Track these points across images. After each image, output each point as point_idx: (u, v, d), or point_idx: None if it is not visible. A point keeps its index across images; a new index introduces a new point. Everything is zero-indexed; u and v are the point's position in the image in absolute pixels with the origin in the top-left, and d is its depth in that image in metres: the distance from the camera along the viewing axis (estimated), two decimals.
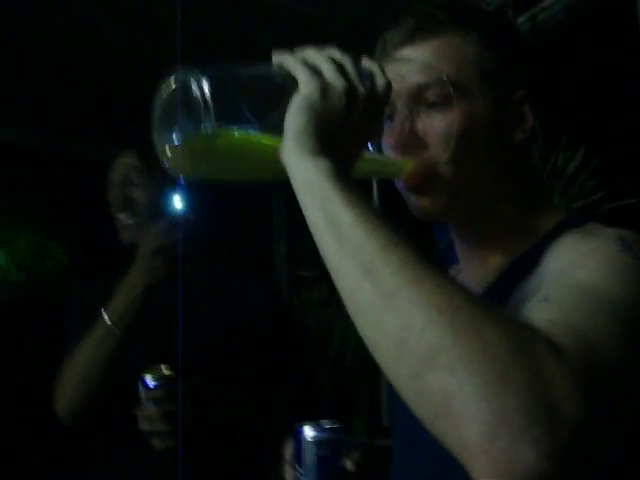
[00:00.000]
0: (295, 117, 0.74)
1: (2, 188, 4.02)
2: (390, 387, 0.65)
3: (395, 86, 0.87)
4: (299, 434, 1.03)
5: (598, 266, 0.76)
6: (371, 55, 0.86)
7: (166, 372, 1.55)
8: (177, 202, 1.60)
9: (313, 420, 1.07)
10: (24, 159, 3.95)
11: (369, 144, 0.93)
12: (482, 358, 0.58)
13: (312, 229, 0.71)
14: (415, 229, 1.01)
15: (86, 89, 3.43)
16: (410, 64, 0.95)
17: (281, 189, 4.59)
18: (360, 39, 0.84)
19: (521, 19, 2.65)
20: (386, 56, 0.98)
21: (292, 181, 0.74)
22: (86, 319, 1.65)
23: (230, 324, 1.78)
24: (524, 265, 0.90)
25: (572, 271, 0.76)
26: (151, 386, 1.53)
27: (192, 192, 1.61)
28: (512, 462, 0.55)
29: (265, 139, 0.76)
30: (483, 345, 0.58)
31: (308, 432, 1.03)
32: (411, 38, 0.96)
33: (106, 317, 1.59)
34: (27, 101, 3.54)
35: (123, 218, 1.77)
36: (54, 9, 2.81)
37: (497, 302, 0.89)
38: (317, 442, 1.03)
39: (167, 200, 1.62)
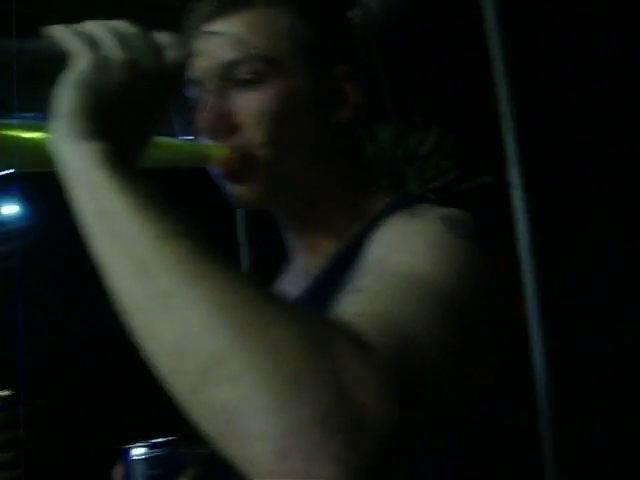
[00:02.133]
0: (64, 96, 0.63)
1: None
2: None
3: (203, 62, 0.78)
4: (127, 454, 0.92)
5: (418, 249, 0.69)
6: (178, 31, 0.77)
7: (2, 392, 1.40)
8: (9, 208, 1.44)
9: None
10: None
11: (176, 131, 0.84)
12: (267, 362, 0.49)
13: (83, 224, 0.61)
14: None
15: None
16: (218, 38, 0.87)
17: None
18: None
19: None
20: (193, 30, 0.89)
21: (61, 170, 0.63)
22: None
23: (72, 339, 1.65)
24: (353, 250, 0.82)
25: (390, 256, 0.69)
26: None
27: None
28: None
29: (27, 127, 0.66)
30: (269, 346, 0.50)
31: (136, 450, 0.92)
32: (220, 10, 0.88)
33: None
34: None
35: None
36: None
37: (327, 293, 0.81)
38: (145, 460, 0.92)
39: None
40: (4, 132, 0.66)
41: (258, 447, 0.48)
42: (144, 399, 1.73)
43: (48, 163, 0.66)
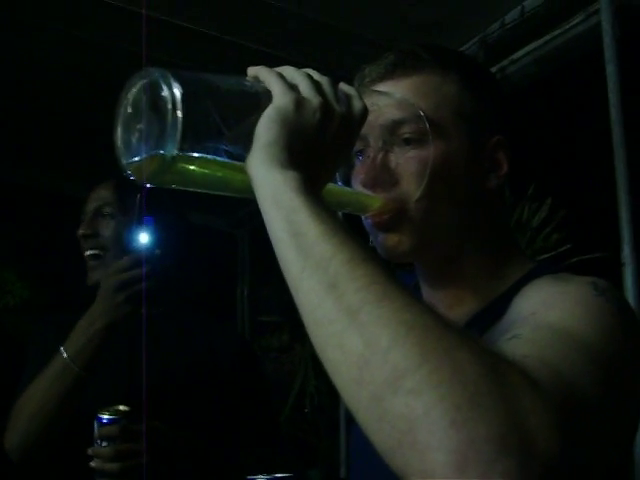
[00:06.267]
0: (266, 128, 0.71)
1: None
2: (349, 436, 0.60)
3: (370, 118, 0.85)
4: None
5: (571, 307, 0.74)
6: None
7: (121, 407, 1.47)
8: (143, 238, 1.54)
9: (272, 469, 1.00)
10: None
11: (337, 179, 0.90)
12: (452, 381, 0.53)
13: (275, 242, 0.68)
14: None
15: (49, 122, 3.37)
16: (387, 98, 0.93)
17: (245, 232, 4.56)
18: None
19: (491, 70, 2.66)
20: (364, 88, 0.96)
21: (257, 193, 0.70)
22: (45, 353, 1.59)
23: (194, 368, 1.71)
24: (494, 311, 0.87)
25: (544, 311, 0.75)
26: (105, 421, 1.45)
27: (158, 230, 1.55)
28: None
29: (231, 165, 0.73)
30: (454, 367, 0.54)
31: None
32: (390, 73, 0.95)
33: (64, 352, 1.52)
34: None
35: (88, 254, 1.70)
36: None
37: None
38: None
39: (133, 236, 1.56)
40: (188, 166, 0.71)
41: (437, 458, 0.52)
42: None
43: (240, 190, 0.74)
